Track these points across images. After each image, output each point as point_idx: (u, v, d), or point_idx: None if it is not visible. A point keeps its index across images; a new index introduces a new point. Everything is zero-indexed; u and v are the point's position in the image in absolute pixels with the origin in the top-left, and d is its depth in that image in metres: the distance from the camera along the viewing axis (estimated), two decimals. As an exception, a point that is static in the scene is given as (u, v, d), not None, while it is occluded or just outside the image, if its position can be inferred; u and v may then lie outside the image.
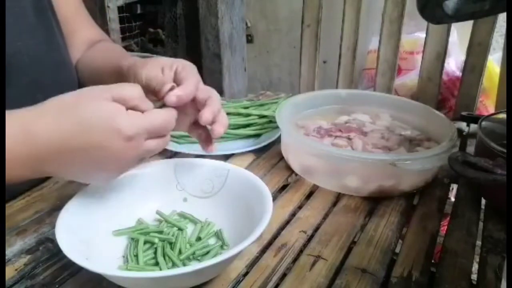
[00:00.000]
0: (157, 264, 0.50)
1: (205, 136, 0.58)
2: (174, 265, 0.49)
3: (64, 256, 0.43)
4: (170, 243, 0.52)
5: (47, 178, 0.68)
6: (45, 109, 0.45)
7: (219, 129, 0.53)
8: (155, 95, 0.52)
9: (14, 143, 0.43)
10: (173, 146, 0.77)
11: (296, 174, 0.72)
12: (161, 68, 0.54)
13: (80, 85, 0.73)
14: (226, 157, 0.75)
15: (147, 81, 0.53)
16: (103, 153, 0.44)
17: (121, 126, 0.44)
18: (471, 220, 0.60)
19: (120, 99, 0.45)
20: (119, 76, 0.59)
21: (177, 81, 0.53)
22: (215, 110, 0.53)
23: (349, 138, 0.74)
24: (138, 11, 1.85)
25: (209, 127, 0.55)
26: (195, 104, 0.54)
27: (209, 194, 0.59)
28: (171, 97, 0.50)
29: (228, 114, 0.84)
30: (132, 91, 0.47)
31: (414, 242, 0.56)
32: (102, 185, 0.54)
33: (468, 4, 0.52)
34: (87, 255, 0.46)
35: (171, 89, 0.51)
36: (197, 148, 0.77)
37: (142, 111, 0.46)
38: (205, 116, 0.52)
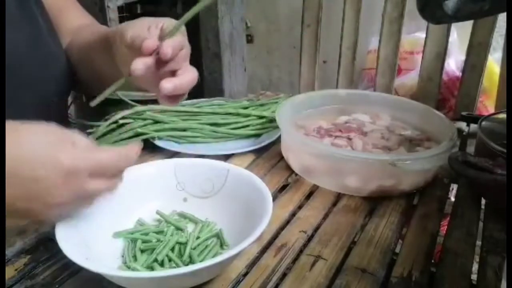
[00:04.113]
0: (157, 264, 0.50)
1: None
2: (174, 265, 0.49)
3: (64, 256, 0.43)
4: (170, 243, 0.52)
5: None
6: None
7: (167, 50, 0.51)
8: (141, 54, 0.51)
9: None
10: (173, 146, 0.78)
11: (296, 174, 0.72)
12: (147, 27, 0.54)
13: (70, 74, 0.72)
14: (226, 157, 0.75)
15: (132, 40, 0.53)
16: (35, 185, 0.40)
17: (61, 157, 0.40)
18: (471, 220, 0.60)
19: (68, 139, 0.43)
20: (106, 43, 0.59)
21: (162, 38, 0.52)
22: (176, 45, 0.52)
23: (349, 138, 0.74)
24: (138, 11, 1.85)
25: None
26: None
27: (209, 194, 0.59)
28: (138, 65, 0.49)
29: (228, 114, 0.85)
30: (82, 137, 0.44)
31: (414, 242, 0.56)
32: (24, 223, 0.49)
33: (468, 4, 0.52)
34: (87, 255, 0.46)
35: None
36: (197, 148, 0.77)
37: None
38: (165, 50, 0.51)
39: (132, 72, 0.50)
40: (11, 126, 0.42)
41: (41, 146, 0.41)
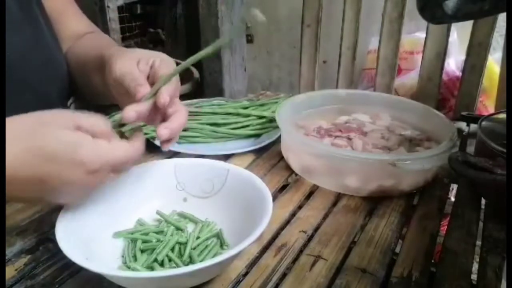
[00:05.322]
0: (157, 264, 0.50)
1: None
2: (174, 265, 0.49)
3: (64, 256, 0.42)
4: (170, 243, 0.52)
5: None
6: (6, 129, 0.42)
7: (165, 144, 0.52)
8: (128, 91, 0.51)
9: None
10: (173, 146, 0.77)
11: (296, 174, 0.72)
12: (137, 61, 0.53)
13: (70, 78, 0.72)
14: (226, 157, 0.75)
15: (121, 77, 0.52)
16: (63, 182, 0.43)
17: (84, 159, 0.42)
18: (471, 220, 0.60)
19: (85, 129, 0.44)
20: (100, 63, 0.58)
21: (152, 76, 0.52)
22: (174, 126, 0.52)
23: (349, 138, 0.74)
24: (138, 11, 1.85)
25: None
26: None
27: (209, 194, 0.59)
28: (131, 113, 0.48)
29: (228, 114, 0.85)
30: (98, 122, 0.45)
31: (414, 242, 0.56)
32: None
33: (468, 4, 0.52)
34: (87, 255, 0.46)
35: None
36: (197, 148, 0.77)
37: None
38: (162, 132, 0.51)
39: (123, 120, 0.49)
40: (28, 126, 0.43)
41: (64, 148, 0.42)
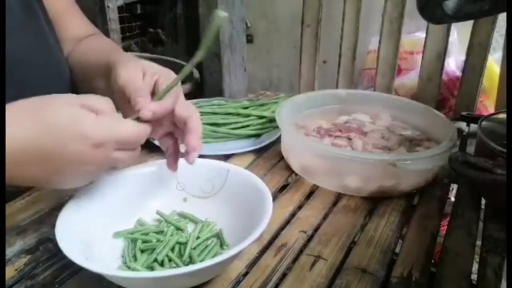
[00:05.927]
0: (157, 264, 0.50)
1: (174, 151, 0.56)
2: (174, 265, 0.49)
3: (64, 256, 0.42)
4: (170, 243, 0.52)
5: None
6: (9, 111, 0.42)
7: (191, 159, 0.52)
8: (129, 101, 0.50)
9: None
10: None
11: (296, 174, 0.72)
12: (142, 72, 0.52)
13: (71, 82, 0.72)
14: (226, 157, 0.75)
15: (124, 84, 0.51)
16: (68, 157, 0.43)
17: (88, 132, 0.42)
18: (471, 220, 0.60)
19: (89, 107, 0.44)
20: (106, 70, 0.58)
21: (156, 91, 0.51)
22: (200, 135, 0.52)
23: (349, 138, 0.74)
24: (138, 11, 1.85)
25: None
26: (173, 116, 0.53)
27: (209, 194, 0.59)
28: (146, 113, 0.48)
29: (228, 114, 0.85)
30: (101, 100, 0.45)
31: (414, 242, 0.56)
32: (71, 189, 0.50)
33: (468, 4, 0.52)
34: (87, 255, 0.46)
35: None
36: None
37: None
38: (192, 143, 0.51)
39: (141, 116, 0.48)
40: (32, 103, 0.43)
41: (68, 120, 0.42)
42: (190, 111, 0.53)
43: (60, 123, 0.42)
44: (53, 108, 0.43)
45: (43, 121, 0.42)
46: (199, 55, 0.45)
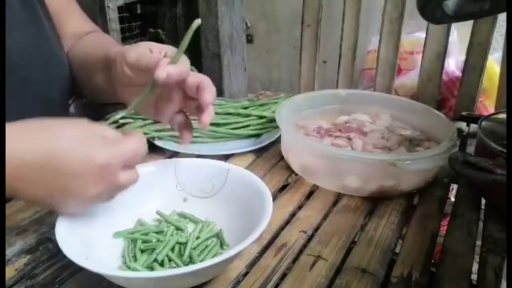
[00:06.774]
0: (157, 264, 0.50)
1: (186, 124, 0.57)
2: (174, 265, 0.49)
3: (64, 256, 0.43)
4: (170, 243, 0.52)
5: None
6: (24, 128, 0.43)
7: (206, 119, 0.52)
8: (147, 72, 0.51)
9: None
10: (173, 146, 0.77)
11: (296, 174, 0.72)
12: (149, 50, 0.54)
13: (71, 78, 0.72)
14: (226, 157, 0.75)
15: (139, 59, 0.53)
16: (74, 179, 0.43)
17: (97, 156, 0.43)
18: (471, 220, 0.60)
19: (98, 132, 0.45)
20: (106, 63, 0.59)
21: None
22: (214, 93, 0.53)
23: (349, 138, 0.74)
24: (138, 11, 1.85)
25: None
26: (183, 92, 0.54)
27: (209, 194, 0.59)
28: (161, 73, 0.49)
29: (228, 114, 0.85)
30: (107, 128, 0.47)
31: (414, 242, 0.56)
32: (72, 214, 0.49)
33: (468, 4, 0.52)
34: (87, 255, 0.46)
35: None
36: (197, 148, 0.77)
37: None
38: (206, 98, 0.52)
39: (155, 78, 0.50)
40: (38, 124, 0.44)
41: (77, 143, 0.43)
42: (201, 76, 0.54)
43: (72, 145, 0.43)
44: (62, 129, 0.44)
45: (54, 143, 0.43)
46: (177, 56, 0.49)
